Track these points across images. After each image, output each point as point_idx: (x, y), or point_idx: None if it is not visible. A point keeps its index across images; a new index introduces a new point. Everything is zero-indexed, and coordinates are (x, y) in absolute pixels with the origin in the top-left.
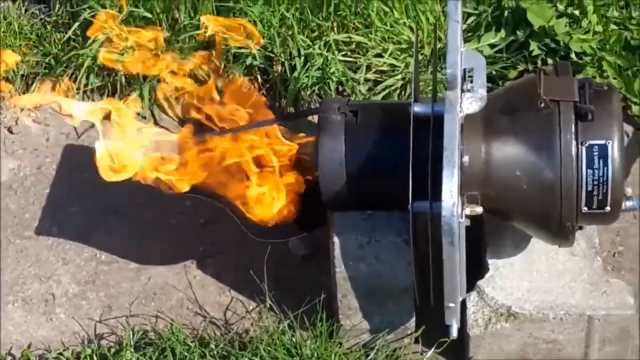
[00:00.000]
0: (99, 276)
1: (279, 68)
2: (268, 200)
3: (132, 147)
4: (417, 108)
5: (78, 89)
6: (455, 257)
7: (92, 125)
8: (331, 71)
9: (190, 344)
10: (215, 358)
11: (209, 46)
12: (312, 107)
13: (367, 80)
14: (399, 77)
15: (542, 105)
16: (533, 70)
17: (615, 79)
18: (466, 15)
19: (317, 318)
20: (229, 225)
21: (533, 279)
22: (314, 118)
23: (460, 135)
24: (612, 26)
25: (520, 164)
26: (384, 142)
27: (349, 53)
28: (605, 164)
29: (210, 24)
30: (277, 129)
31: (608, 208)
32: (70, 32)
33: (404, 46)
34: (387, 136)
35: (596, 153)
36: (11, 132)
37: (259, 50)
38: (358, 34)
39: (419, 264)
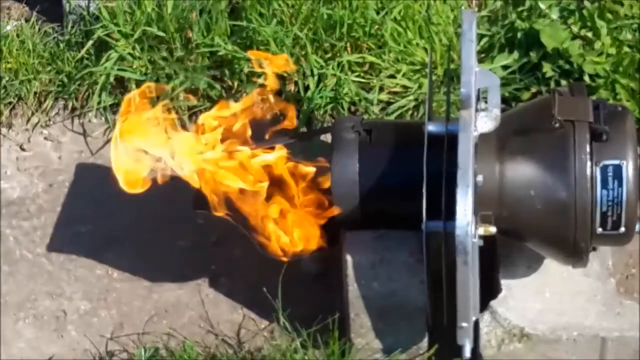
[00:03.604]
0: (110, 293)
1: (292, 88)
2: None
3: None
4: (431, 127)
5: (91, 107)
6: (468, 277)
7: (106, 143)
8: (344, 92)
9: None
10: None
11: (222, 65)
12: (326, 126)
13: (380, 101)
14: (412, 98)
15: (557, 125)
16: (546, 92)
17: (628, 101)
18: (479, 37)
19: (330, 337)
20: (241, 244)
21: (546, 299)
22: (327, 137)
23: (474, 155)
24: (626, 49)
25: (534, 184)
26: (398, 161)
27: (362, 74)
28: (620, 185)
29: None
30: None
31: (622, 229)
32: (83, 51)
33: (417, 67)
34: (400, 155)
35: (611, 173)
36: (23, 150)
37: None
38: (371, 55)
39: (432, 284)
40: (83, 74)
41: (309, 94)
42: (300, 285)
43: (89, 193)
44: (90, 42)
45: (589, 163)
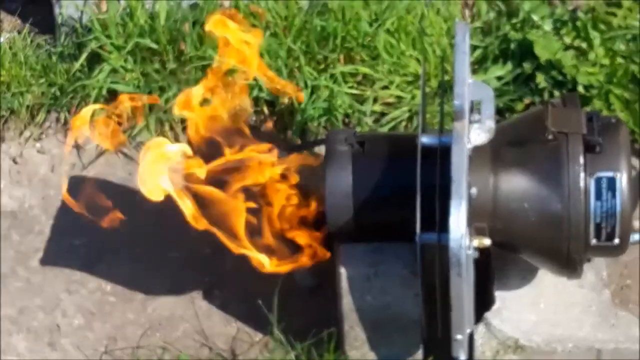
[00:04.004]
0: (104, 307)
1: (286, 100)
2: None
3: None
4: (424, 139)
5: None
6: (462, 289)
7: (99, 156)
8: (338, 103)
9: None
10: None
11: None
12: (319, 138)
13: (373, 112)
14: (406, 109)
15: (550, 137)
16: (540, 103)
17: (622, 112)
18: (473, 48)
19: (324, 349)
20: (235, 256)
21: (541, 311)
22: (320, 150)
23: (468, 167)
24: (619, 59)
25: (528, 196)
26: (391, 173)
27: (355, 85)
28: (614, 196)
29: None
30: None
31: (617, 240)
32: (77, 65)
33: (410, 79)
34: (394, 167)
35: (604, 185)
36: (16, 163)
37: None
38: (365, 66)
39: (427, 296)
40: (75, 87)
41: (302, 105)
42: (295, 297)
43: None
44: (84, 56)
45: (582, 175)
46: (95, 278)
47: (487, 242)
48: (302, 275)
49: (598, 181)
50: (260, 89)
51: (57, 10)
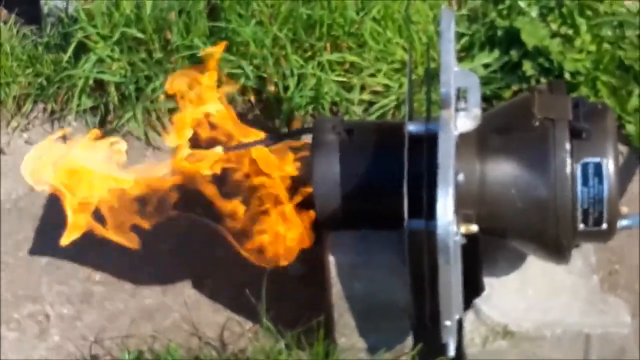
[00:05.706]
0: (93, 297)
1: (272, 88)
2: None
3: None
4: (411, 127)
5: (70, 109)
6: (450, 276)
7: None
8: (325, 91)
9: None
10: None
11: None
12: (306, 126)
13: (361, 101)
14: (393, 97)
15: (537, 123)
16: (527, 90)
17: (609, 98)
18: (460, 35)
19: (314, 337)
20: (224, 245)
21: (529, 297)
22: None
23: (455, 154)
24: (606, 45)
25: (515, 183)
26: (379, 161)
27: (342, 73)
28: (601, 182)
29: None
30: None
31: (604, 226)
32: (66, 57)
33: (397, 66)
34: (381, 155)
35: (591, 171)
36: (3, 154)
37: (252, 70)
38: (351, 54)
39: (415, 283)
40: (62, 77)
41: (289, 94)
42: (284, 286)
43: None
44: (70, 46)
45: (568, 161)
46: (85, 268)
47: (474, 228)
48: (292, 264)
49: (584, 167)
50: (247, 77)
51: (42, 1)
